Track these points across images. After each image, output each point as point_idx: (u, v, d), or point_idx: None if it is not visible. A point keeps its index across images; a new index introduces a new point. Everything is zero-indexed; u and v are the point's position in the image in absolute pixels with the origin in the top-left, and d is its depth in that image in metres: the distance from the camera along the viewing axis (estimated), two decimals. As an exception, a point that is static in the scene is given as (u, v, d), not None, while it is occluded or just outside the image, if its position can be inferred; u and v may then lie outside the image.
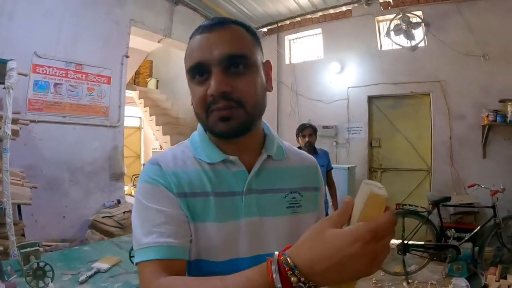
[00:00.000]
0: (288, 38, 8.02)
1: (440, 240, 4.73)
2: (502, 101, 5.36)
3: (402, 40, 6.39)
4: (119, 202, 5.68)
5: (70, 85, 5.21)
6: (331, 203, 4.49)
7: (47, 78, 4.99)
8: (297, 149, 1.16)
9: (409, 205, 4.87)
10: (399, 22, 6.20)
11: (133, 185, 10.06)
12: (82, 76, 5.34)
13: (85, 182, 5.42)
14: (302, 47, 7.99)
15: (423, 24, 6.15)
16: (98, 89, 5.55)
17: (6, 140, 3.59)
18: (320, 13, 7.29)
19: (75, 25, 5.27)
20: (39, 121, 4.88)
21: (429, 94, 6.17)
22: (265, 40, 7.95)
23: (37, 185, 4.28)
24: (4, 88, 3.63)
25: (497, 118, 5.30)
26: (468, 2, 5.77)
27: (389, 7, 6.55)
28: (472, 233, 4.70)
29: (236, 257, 0.91)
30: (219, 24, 0.89)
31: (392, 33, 6.33)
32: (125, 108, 6.14)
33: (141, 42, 7.62)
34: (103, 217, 5.25)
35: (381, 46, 6.82)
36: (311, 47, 7.82)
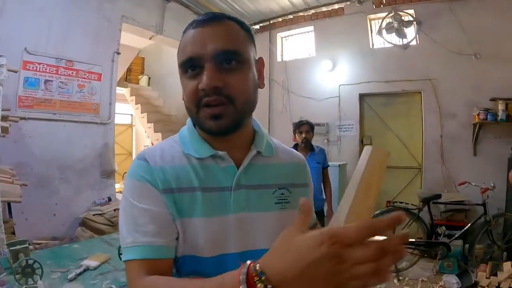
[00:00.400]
0: (280, 35, 8.02)
1: (431, 237, 4.76)
2: (493, 99, 5.39)
3: (394, 39, 6.42)
4: (110, 199, 5.65)
5: (60, 82, 5.17)
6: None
7: (37, 75, 4.95)
8: (286, 146, 1.17)
9: (400, 202, 4.89)
10: (391, 21, 6.22)
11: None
12: (72, 73, 5.30)
13: (75, 180, 5.38)
14: (294, 45, 7.99)
15: (415, 22, 6.18)
16: (89, 86, 5.51)
17: (-5, 137, 3.56)
18: (313, 11, 7.29)
19: (66, 22, 5.22)
20: (29, 118, 4.84)
21: (421, 92, 6.20)
22: (257, 38, 7.91)
23: (27, 183, 4.24)
24: (-6, 85, 3.59)
25: (488, 116, 5.33)
26: (460, 1, 5.80)
27: (381, 6, 6.56)
28: (463, 230, 4.74)
29: (224, 253, 0.91)
30: (213, 19, 0.89)
31: (384, 31, 6.35)
32: (116, 105, 6.09)
33: (132, 39, 7.57)
34: (93, 215, 5.21)
35: (373, 44, 6.83)
36: (303, 45, 7.82)
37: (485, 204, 4.58)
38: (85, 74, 5.46)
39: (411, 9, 6.26)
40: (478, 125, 5.49)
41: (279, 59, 7.96)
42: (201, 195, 0.90)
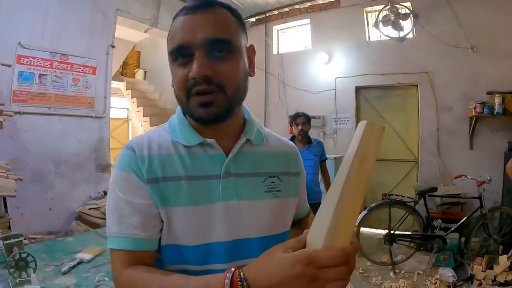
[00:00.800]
0: (276, 28, 7.98)
1: (427, 230, 4.78)
2: (489, 93, 5.38)
3: (390, 31, 6.38)
4: (105, 193, 5.64)
5: (55, 75, 5.14)
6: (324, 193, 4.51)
7: (31, 69, 4.92)
8: (278, 135, 1.17)
9: (396, 195, 4.89)
10: (387, 13, 6.18)
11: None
12: (67, 67, 5.27)
13: (71, 174, 5.37)
14: (290, 37, 7.96)
15: (411, 15, 6.15)
16: (84, 79, 5.48)
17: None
18: (309, 4, 7.25)
19: (60, 15, 5.18)
20: (24, 113, 4.82)
21: (417, 85, 6.18)
22: (253, 30, 7.92)
23: (22, 178, 4.22)
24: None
25: (485, 110, 5.31)
26: (457, -6, 5.78)
27: (378, -2, 6.53)
28: (459, 223, 4.76)
29: (210, 242, 0.91)
30: (204, 6, 0.88)
31: (380, 24, 6.32)
32: (112, 99, 6.07)
33: (128, 32, 7.54)
34: (89, 209, 5.21)
35: (369, 37, 6.81)
36: (299, 38, 7.79)
37: (481, 197, 4.60)
38: (80, 68, 5.42)
39: (407, 2, 6.22)
40: (474, 118, 5.48)
41: (275, 52, 7.93)
42: (187, 183, 0.90)
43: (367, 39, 6.78)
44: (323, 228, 0.68)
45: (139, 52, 10.91)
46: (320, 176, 4.53)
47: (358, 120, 6.80)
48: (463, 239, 4.75)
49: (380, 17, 6.29)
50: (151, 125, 8.24)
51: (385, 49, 6.50)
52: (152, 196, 0.88)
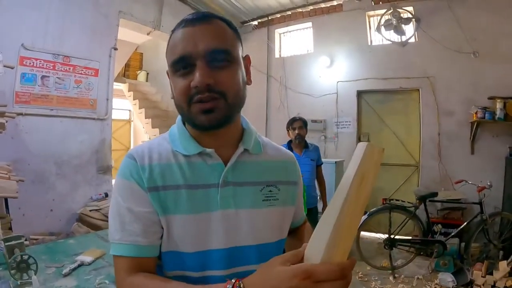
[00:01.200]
0: (278, 31, 7.99)
1: (427, 235, 4.78)
2: (491, 98, 5.40)
3: (392, 36, 6.40)
4: (106, 195, 5.64)
5: (57, 77, 5.15)
6: (320, 198, 4.51)
7: (34, 71, 4.92)
8: (276, 144, 1.19)
9: (396, 200, 4.90)
10: (389, 18, 6.20)
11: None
12: (69, 69, 5.28)
13: (72, 175, 5.37)
14: (292, 41, 7.97)
15: (413, 19, 6.16)
16: (86, 81, 5.48)
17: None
18: (311, 7, 7.28)
19: (63, 17, 5.19)
20: (26, 114, 4.82)
21: (419, 89, 6.20)
22: (255, 34, 7.96)
23: (24, 179, 4.23)
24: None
25: (486, 115, 5.32)
26: (459, -2, 5.79)
27: (380, 2, 6.54)
28: (459, 228, 4.76)
29: (208, 249, 0.93)
30: (203, 19, 0.92)
31: (382, 28, 6.33)
32: (114, 101, 6.07)
33: (131, 34, 7.55)
34: (90, 210, 5.21)
35: (371, 41, 6.83)
36: (301, 41, 7.80)
37: (482, 203, 4.60)
38: (82, 70, 5.43)
39: (410, 6, 6.24)
40: (475, 123, 5.49)
41: (277, 55, 7.94)
42: (186, 192, 0.93)
43: (369, 43, 6.80)
44: (322, 243, 0.69)
45: (142, 54, 10.93)
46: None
47: (359, 124, 6.82)
48: (463, 244, 4.75)
49: (382, 21, 6.31)
50: (153, 127, 8.25)
51: (387, 53, 6.51)
52: (153, 204, 0.91)
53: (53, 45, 5.09)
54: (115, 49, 5.91)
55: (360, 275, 4.64)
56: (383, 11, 6.39)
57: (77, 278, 2.24)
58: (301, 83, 7.41)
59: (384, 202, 4.88)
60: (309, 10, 7.35)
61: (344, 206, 0.69)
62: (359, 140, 6.77)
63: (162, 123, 8.35)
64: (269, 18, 7.82)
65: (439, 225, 4.90)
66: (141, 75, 10.54)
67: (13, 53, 4.64)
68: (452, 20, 5.82)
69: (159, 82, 10.08)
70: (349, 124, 6.85)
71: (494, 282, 3.97)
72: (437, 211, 5.52)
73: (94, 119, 5.61)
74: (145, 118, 8.54)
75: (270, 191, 1.03)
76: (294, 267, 0.68)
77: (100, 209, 5.24)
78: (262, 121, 7.66)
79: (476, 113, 5.43)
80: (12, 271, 2.11)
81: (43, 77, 5.00)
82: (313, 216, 4.02)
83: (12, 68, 4.26)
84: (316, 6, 7.22)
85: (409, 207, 4.80)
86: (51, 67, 5.07)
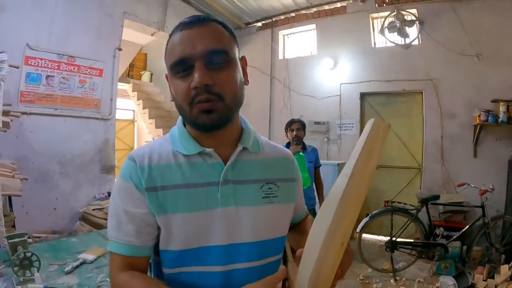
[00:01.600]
0: (282, 33, 8.00)
1: (429, 238, 4.77)
2: (494, 101, 5.39)
3: (396, 38, 6.40)
4: (109, 194, 5.62)
5: (62, 77, 5.19)
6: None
7: (39, 70, 4.97)
8: (273, 143, 1.21)
9: (398, 202, 4.90)
10: (393, 20, 6.20)
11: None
12: (74, 69, 5.31)
13: (75, 174, 5.41)
14: (296, 43, 7.98)
15: (417, 22, 6.16)
16: (90, 81, 5.52)
17: (-4, 132, 3.58)
18: (315, 9, 7.29)
19: (68, 17, 5.23)
20: (30, 113, 4.86)
21: (422, 92, 6.19)
22: (259, 35, 7.96)
23: (28, 177, 4.26)
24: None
25: (489, 118, 5.32)
26: (463, 1, 5.78)
27: (384, 5, 6.54)
28: (461, 232, 4.75)
29: (206, 245, 0.95)
30: (200, 21, 0.94)
31: (386, 30, 6.33)
32: (118, 101, 6.11)
33: (135, 35, 7.57)
34: (93, 210, 5.24)
35: (374, 43, 6.82)
36: (304, 43, 7.81)
37: (484, 206, 4.58)
38: (87, 70, 5.47)
39: (413, 8, 6.24)
40: (478, 126, 5.47)
41: (280, 56, 7.94)
42: (185, 191, 0.95)
43: (373, 46, 6.80)
44: (307, 272, 0.76)
45: (146, 54, 10.94)
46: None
47: (362, 126, 6.76)
48: (465, 247, 4.73)
49: (386, 24, 6.31)
50: (156, 127, 8.25)
51: (390, 55, 6.51)
52: (150, 205, 0.94)
53: (57, 45, 5.13)
54: (120, 49, 5.94)
55: (361, 277, 4.64)
56: (386, 13, 6.39)
57: (79, 276, 2.25)
58: (305, 85, 7.41)
59: (386, 205, 4.88)
60: (313, 12, 7.36)
61: (340, 205, 0.73)
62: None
63: (166, 123, 8.36)
64: (273, 19, 7.84)
65: (441, 228, 4.90)
66: (145, 76, 10.55)
67: (18, 52, 4.68)
68: (456, 23, 5.81)
69: (163, 83, 10.07)
70: (352, 126, 6.84)
71: (495, 286, 3.96)
72: (439, 214, 5.50)
73: (98, 119, 5.65)
74: (149, 118, 8.55)
75: (270, 188, 1.04)
76: None
77: (103, 208, 5.26)
78: (265, 123, 7.67)
79: (479, 116, 5.42)
80: (15, 268, 2.13)
81: (47, 76, 5.03)
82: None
83: (17, 67, 4.30)
84: (320, 8, 7.23)
85: (411, 209, 4.79)
86: (56, 67, 5.11)
